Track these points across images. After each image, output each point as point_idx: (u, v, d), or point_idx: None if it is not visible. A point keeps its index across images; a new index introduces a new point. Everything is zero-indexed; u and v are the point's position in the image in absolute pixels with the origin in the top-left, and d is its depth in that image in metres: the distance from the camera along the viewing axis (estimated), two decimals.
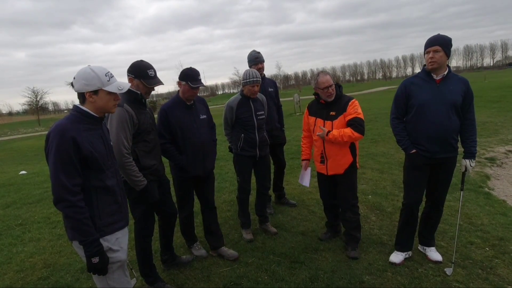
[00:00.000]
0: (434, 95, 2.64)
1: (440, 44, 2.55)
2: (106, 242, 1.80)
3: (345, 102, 2.99)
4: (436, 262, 2.87)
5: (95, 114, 1.81)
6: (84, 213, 1.69)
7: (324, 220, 3.65)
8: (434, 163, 2.75)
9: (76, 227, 1.69)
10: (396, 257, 2.92)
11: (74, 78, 1.78)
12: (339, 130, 2.93)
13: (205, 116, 3.05)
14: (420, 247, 3.07)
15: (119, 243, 1.88)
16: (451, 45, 2.60)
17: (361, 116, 2.95)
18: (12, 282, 3.07)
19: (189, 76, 2.80)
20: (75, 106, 1.81)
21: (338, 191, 3.18)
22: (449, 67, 2.66)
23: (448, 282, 2.61)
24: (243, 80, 3.29)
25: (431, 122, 2.65)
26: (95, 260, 1.71)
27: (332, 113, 3.01)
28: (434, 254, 2.94)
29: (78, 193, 1.68)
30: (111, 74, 1.80)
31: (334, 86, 2.99)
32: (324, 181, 3.25)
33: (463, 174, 2.83)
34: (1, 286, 3.02)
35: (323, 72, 3.04)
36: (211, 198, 3.25)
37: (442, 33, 2.63)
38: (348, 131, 2.89)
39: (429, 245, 3.00)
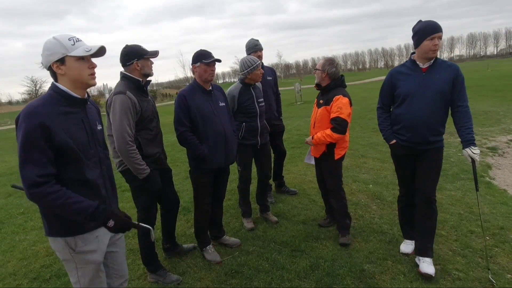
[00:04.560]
0: (419, 85, 2.55)
1: (441, 30, 2.46)
2: (81, 241, 1.61)
3: (332, 96, 3.00)
4: (426, 276, 2.51)
5: (75, 95, 1.58)
6: (64, 194, 1.48)
7: (325, 209, 3.68)
8: (416, 153, 2.68)
9: (66, 212, 1.50)
10: (406, 247, 2.89)
11: (41, 55, 1.57)
12: (322, 132, 3.03)
13: (224, 104, 2.93)
14: (416, 258, 2.73)
15: (98, 242, 1.67)
16: None
17: (343, 115, 2.93)
18: (16, 270, 3.10)
19: (201, 55, 2.72)
20: (53, 84, 1.57)
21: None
22: None
23: (448, 270, 2.63)
24: (248, 68, 3.20)
25: (414, 113, 2.57)
26: (111, 223, 1.57)
27: (321, 101, 3.11)
28: (426, 266, 2.58)
29: (44, 182, 1.45)
30: (77, 38, 1.56)
31: (320, 72, 3.06)
32: (316, 164, 3.40)
33: (473, 167, 2.60)
34: (5, 274, 3.06)
35: (325, 57, 3.15)
36: (223, 193, 3.18)
37: (440, 22, 2.50)
38: (328, 132, 2.99)
39: (424, 255, 2.64)
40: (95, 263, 1.68)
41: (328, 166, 3.20)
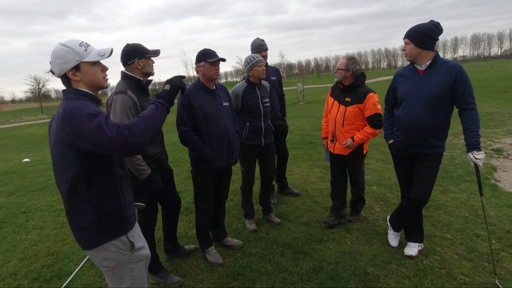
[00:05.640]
0: (413, 88, 2.57)
1: (408, 36, 2.50)
2: (133, 238, 1.65)
3: (363, 93, 3.08)
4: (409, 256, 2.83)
5: (94, 94, 1.61)
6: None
7: (328, 210, 3.68)
8: (411, 156, 2.71)
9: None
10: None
11: (50, 62, 1.55)
12: (362, 132, 3.13)
13: (227, 104, 2.88)
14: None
15: (141, 239, 1.75)
16: (425, 36, 2.43)
17: (380, 111, 3.08)
18: (16, 270, 3.08)
19: (206, 55, 2.69)
20: (73, 90, 1.54)
21: (347, 169, 3.46)
22: (436, 54, 2.51)
23: (453, 274, 2.58)
24: (249, 64, 3.17)
25: (408, 115, 2.61)
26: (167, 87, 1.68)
27: (348, 99, 3.15)
28: (408, 249, 2.87)
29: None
30: (86, 43, 1.56)
31: (343, 72, 3.10)
32: (333, 159, 3.47)
33: (476, 172, 2.50)
34: (6, 273, 3.03)
35: (347, 56, 3.20)
36: (226, 193, 3.15)
37: (441, 22, 2.47)
38: (369, 130, 3.10)
39: (409, 240, 2.92)
40: (147, 258, 1.76)
41: (357, 162, 3.37)
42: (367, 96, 3.05)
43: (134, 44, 2.46)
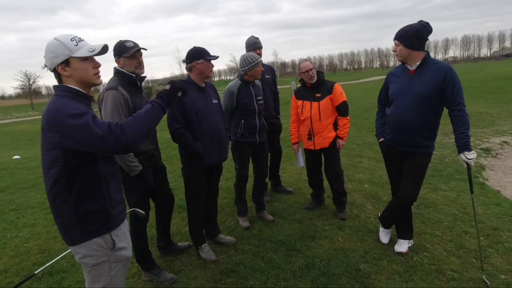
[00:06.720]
0: (403, 87, 2.61)
1: (397, 38, 2.55)
2: (116, 237, 1.63)
3: (329, 86, 3.44)
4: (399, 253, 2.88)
5: (85, 92, 1.57)
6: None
7: (321, 207, 3.76)
8: (400, 154, 2.76)
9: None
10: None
11: (44, 57, 1.54)
12: (340, 128, 3.45)
13: (216, 101, 2.92)
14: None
15: (126, 238, 1.72)
16: (414, 36, 2.45)
17: (346, 98, 3.47)
18: (7, 267, 3.05)
19: (203, 52, 2.72)
20: (63, 86, 1.52)
21: (325, 163, 3.66)
22: (427, 54, 2.53)
23: (443, 270, 2.64)
24: (249, 64, 3.17)
25: (396, 114, 2.66)
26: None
27: (318, 95, 3.45)
28: (398, 246, 2.93)
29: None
30: (79, 38, 1.53)
31: (314, 70, 3.42)
32: (311, 156, 3.67)
33: (468, 172, 2.55)
34: None
35: (303, 59, 3.58)
36: (217, 190, 3.17)
37: (432, 24, 2.51)
38: (344, 121, 3.46)
39: (399, 237, 2.99)
40: (127, 259, 1.73)
41: (336, 153, 3.56)
42: (334, 87, 3.41)
43: (118, 42, 2.45)
